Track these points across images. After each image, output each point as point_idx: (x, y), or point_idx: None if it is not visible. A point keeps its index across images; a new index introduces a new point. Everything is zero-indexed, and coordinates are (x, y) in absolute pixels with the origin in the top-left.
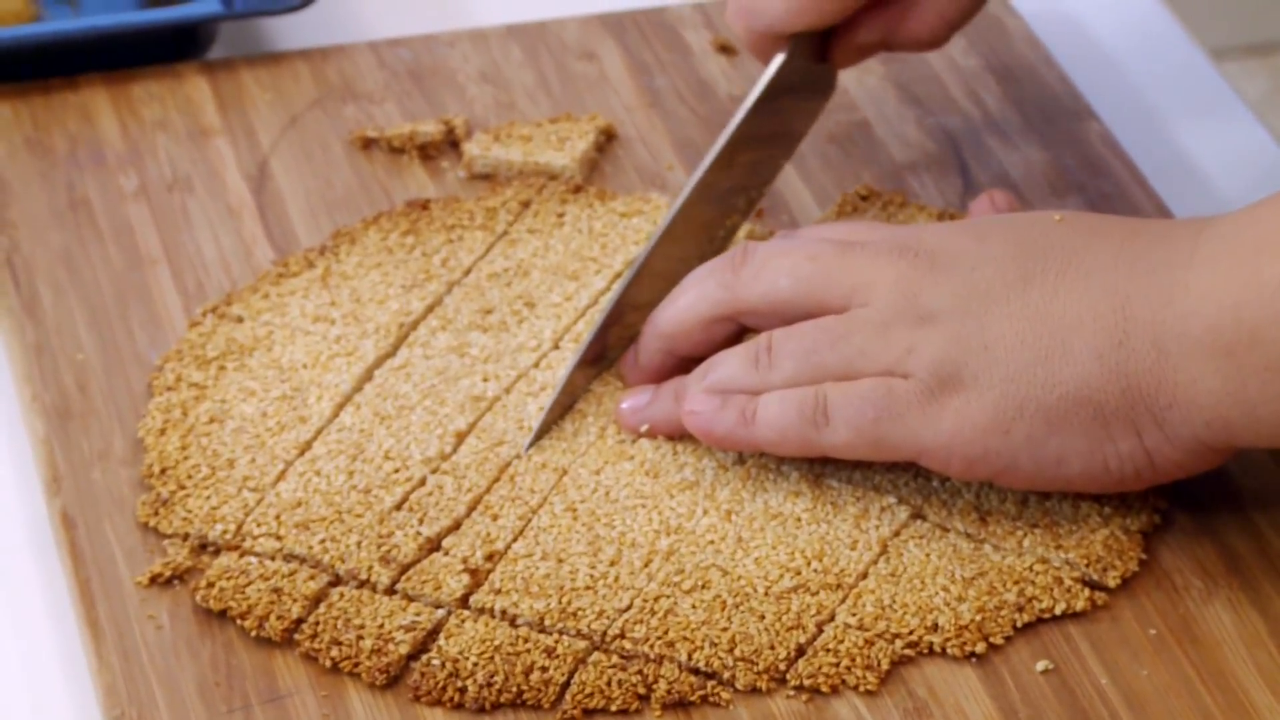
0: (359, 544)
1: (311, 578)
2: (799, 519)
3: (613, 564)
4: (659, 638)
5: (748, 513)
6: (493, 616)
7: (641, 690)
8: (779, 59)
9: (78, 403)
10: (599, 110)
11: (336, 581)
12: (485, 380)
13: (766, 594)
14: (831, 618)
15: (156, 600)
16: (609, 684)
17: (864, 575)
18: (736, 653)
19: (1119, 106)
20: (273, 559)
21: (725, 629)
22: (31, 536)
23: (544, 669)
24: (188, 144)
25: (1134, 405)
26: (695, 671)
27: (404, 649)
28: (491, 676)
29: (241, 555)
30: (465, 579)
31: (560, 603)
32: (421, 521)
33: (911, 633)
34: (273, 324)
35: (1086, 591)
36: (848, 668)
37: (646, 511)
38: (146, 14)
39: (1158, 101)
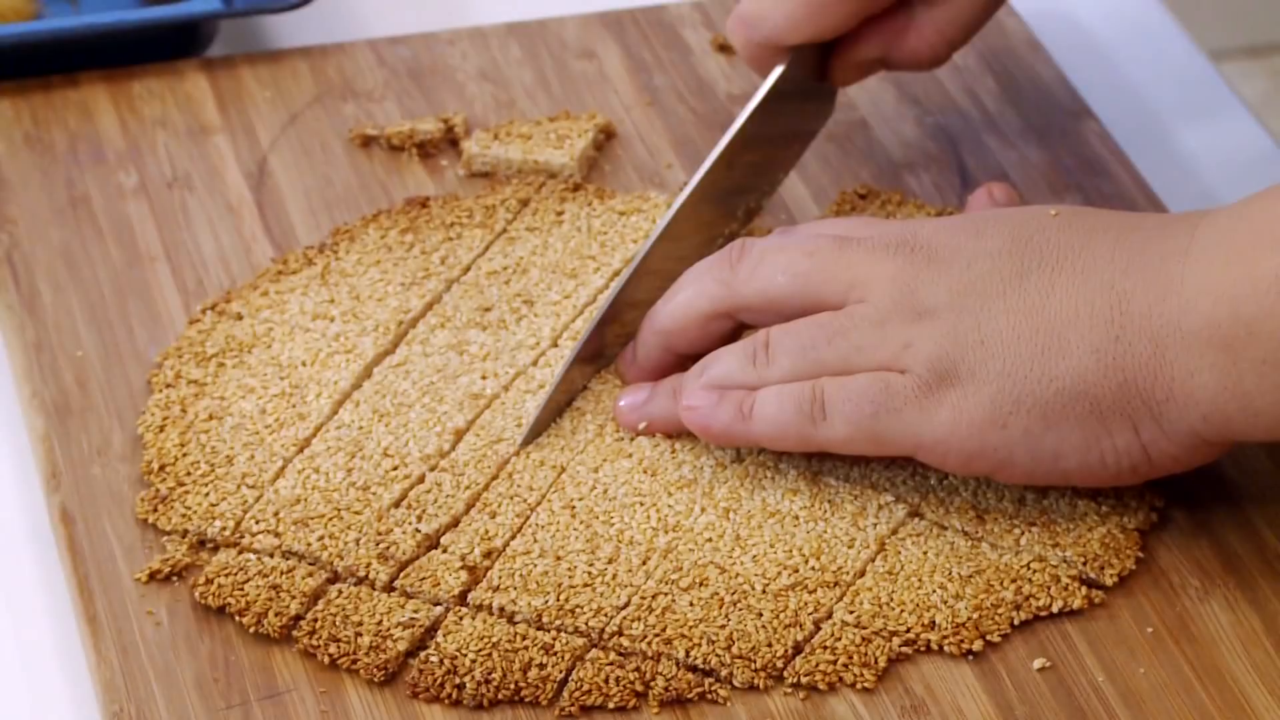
0: (357, 541)
1: (310, 574)
2: (796, 517)
3: (611, 561)
4: (657, 635)
5: (745, 510)
6: (491, 613)
7: (639, 687)
8: (778, 70)
9: (77, 399)
10: (598, 108)
11: (335, 578)
12: (484, 378)
13: (764, 592)
14: (829, 615)
15: (155, 596)
16: (607, 681)
17: (861, 573)
18: (734, 650)
19: (1117, 106)
20: (271, 556)
21: (723, 627)
22: (31, 533)
23: (542, 666)
24: (187, 141)
25: (1130, 400)
26: (693, 669)
27: (402, 646)
28: (489, 673)
29: (240, 552)
30: (463, 576)
31: (558, 600)
32: (420, 519)
33: (909, 630)
34: (272, 321)
35: (1083, 589)
36: (845, 665)
37: (644, 509)
38: (146, 11)
39: (1156, 102)
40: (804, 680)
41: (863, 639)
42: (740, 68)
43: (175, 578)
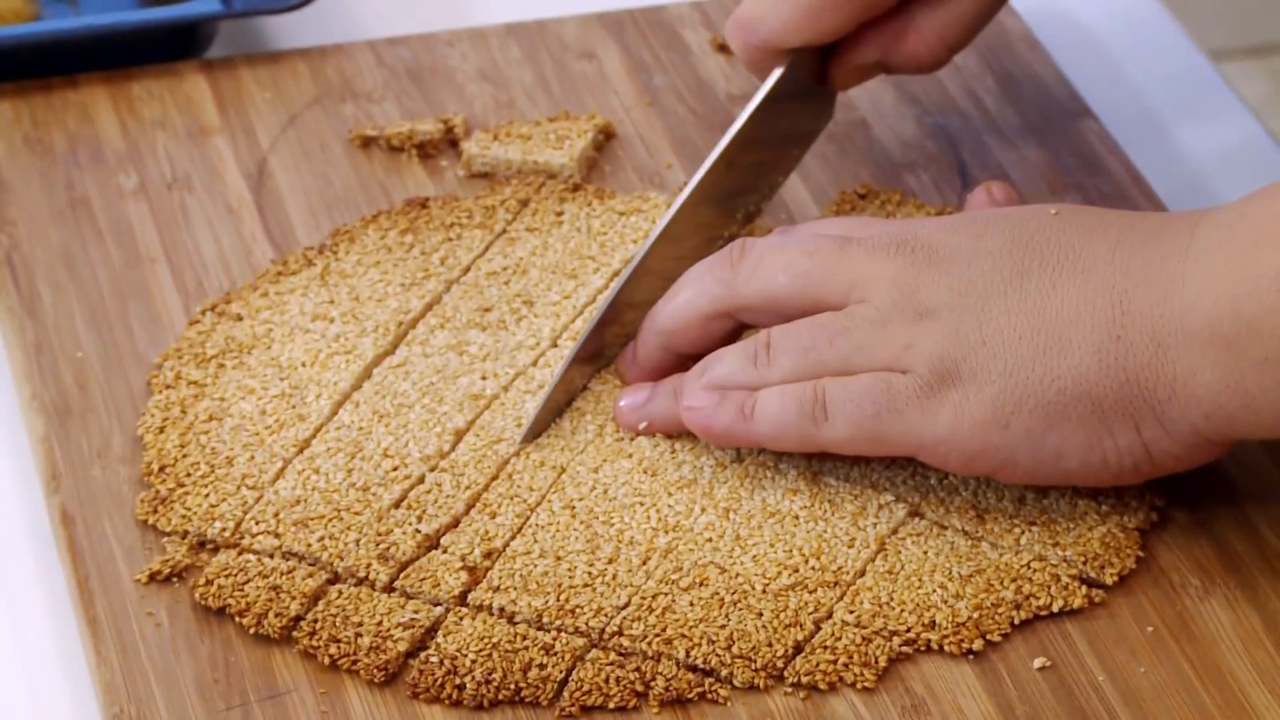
0: (357, 541)
1: (310, 575)
2: (797, 517)
3: (611, 562)
4: (657, 635)
5: (746, 510)
6: (491, 614)
7: (639, 687)
8: (777, 73)
9: (77, 401)
10: (598, 109)
11: (335, 579)
12: (484, 378)
13: (764, 591)
14: (829, 615)
15: (155, 597)
16: (607, 681)
17: (862, 573)
18: (734, 650)
19: (1117, 106)
20: (271, 556)
21: (723, 626)
22: (31, 534)
23: (542, 666)
24: (187, 143)
25: (1132, 399)
26: (693, 669)
27: (402, 646)
28: (490, 674)
29: (240, 553)
30: (463, 576)
31: (558, 600)
32: (420, 519)
33: (909, 630)
34: (272, 322)
35: (1084, 589)
36: (845, 665)
37: (645, 509)
38: (146, 13)
39: (1156, 102)
40: (804, 680)
41: (863, 639)
42: (740, 68)
43: (175, 579)
